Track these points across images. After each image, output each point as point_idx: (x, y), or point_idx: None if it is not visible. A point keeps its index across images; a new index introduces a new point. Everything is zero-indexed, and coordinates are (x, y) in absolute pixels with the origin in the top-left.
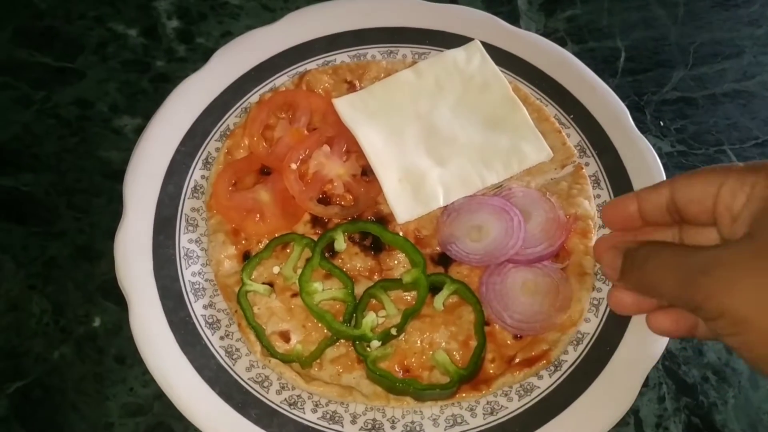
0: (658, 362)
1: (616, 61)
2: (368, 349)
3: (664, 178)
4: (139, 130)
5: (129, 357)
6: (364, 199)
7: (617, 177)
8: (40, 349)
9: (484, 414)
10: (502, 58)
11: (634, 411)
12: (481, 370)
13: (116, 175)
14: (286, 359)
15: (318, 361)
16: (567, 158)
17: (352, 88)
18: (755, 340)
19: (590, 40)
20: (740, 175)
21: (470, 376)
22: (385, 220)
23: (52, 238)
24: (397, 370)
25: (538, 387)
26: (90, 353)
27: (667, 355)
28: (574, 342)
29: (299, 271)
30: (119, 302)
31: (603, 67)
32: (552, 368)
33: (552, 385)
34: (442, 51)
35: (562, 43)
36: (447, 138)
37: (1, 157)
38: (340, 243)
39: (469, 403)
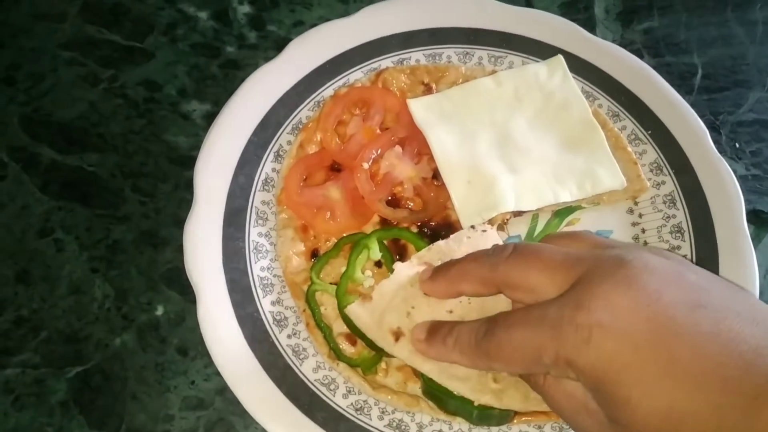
0: None
1: (693, 77)
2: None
3: (742, 202)
4: (208, 117)
5: (192, 349)
6: (433, 204)
7: (694, 198)
8: (101, 335)
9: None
10: (580, 66)
11: None
12: None
13: (183, 160)
14: (353, 363)
15: (384, 367)
16: (639, 191)
17: (428, 90)
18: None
19: (667, 54)
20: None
21: None
22: (452, 227)
23: (116, 222)
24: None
25: None
26: (152, 342)
27: None
28: None
29: (367, 272)
30: (183, 292)
31: (679, 83)
32: None
33: None
34: (518, 56)
35: (639, 56)
36: (521, 148)
37: (66, 135)
38: (375, 252)
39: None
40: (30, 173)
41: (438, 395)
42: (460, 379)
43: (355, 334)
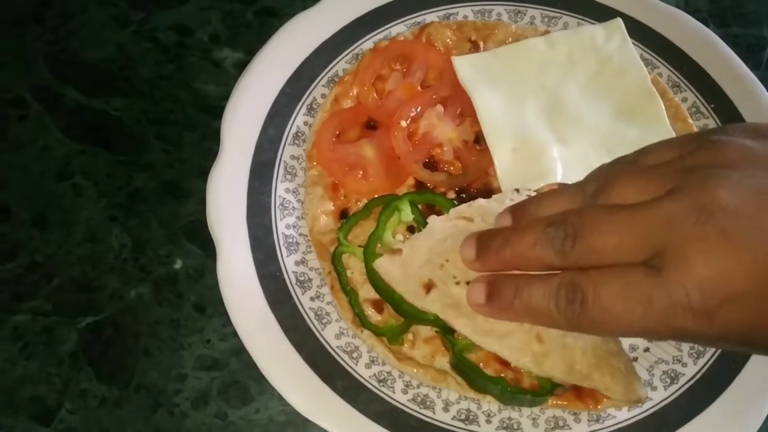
0: None
1: (761, 51)
2: (457, 338)
3: None
4: (240, 65)
5: (209, 307)
6: (474, 169)
7: None
8: (117, 286)
9: (589, 421)
10: (640, 31)
11: None
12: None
13: (212, 110)
14: (378, 331)
15: (411, 338)
16: None
17: (475, 48)
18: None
19: (734, 25)
20: None
21: (567, 388)
22: (492, 195)
23: (138, 169)
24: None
25: (651, 399)
26: (168, 297)
27: None
28: (695, 355)
29: (398, 236)
30: (204, 247)
31: (746, 56)
32: (668, 380)
33: (666, 398)
34: (574, 17)
35: (704, 25)
36: (572, 116)
37: (93, 77)
38: (407, 213)
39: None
40: (53, 114)
41: (466, 371)
42: (498, 336)
43: (382, 295)
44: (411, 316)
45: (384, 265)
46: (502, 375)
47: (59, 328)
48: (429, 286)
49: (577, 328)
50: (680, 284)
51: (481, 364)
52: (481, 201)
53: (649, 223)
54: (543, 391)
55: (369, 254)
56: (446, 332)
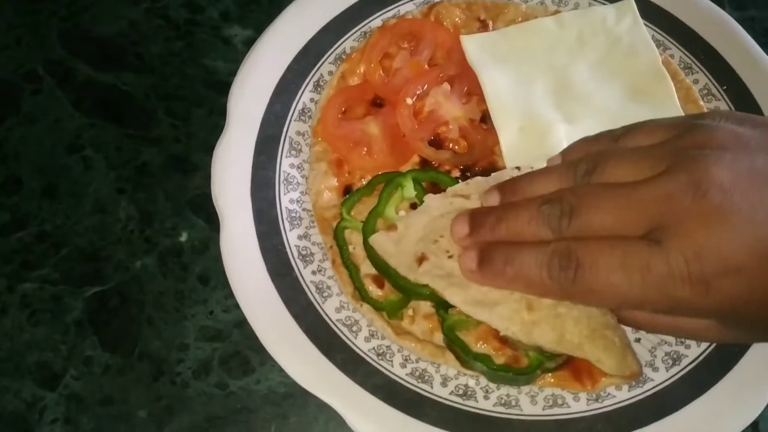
0: None
1: None
2: (449, 314)
3: None
4: (249, 42)
5: (213, 278)
6: (479, 148)
7: None
8: (123, 257)
9: (588, 399)
10: (652, 12)
11: (753, 423)
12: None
13: (220, 86)
14: (378, 306)
15: (411, 314)
16: None
17: (484, 27)
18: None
19: (751, 7)
20: None
21: (558, 367)
22: None
23: (147, 143)
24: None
25: (652, 380)
26: (173, 268)
27: None
28: None
29: (402, 213)
30: (209, 220)
31: (764, 40)
32: (670, 362)
33: (668, 380)
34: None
35: (719, 7)
36: (580, 96)
37: (103, 52)
38: (410, 190)
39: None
40: (64, 88)
41: (453, 347)
42: (488, 305)
43: (379, 269)
44: (407, 290)
45: (379, 240)
46: (500, 353)
47: (66, 297)
48: (422, 260)
49: (570, 297)
50: (680, 253)
51: (480, 342)
52: (478, 179)
53: (647, 200)
54: (529, 368)
55: (368, 230)
56: (441, 307)
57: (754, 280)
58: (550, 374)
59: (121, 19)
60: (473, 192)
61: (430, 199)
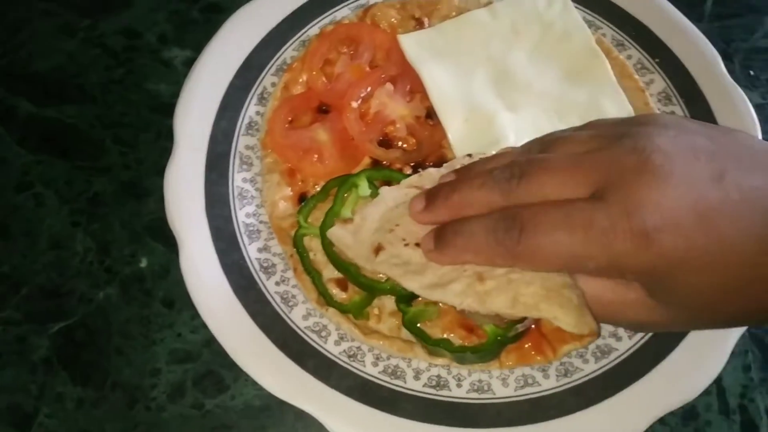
0: None
1: (703, 4)
2: (408, 307)
3: (759, 130)
4: (190, 63)
5: (177, 301)
6: (427, 143)
7: None
8: (84, 289)
9: (557, 375)
10: None
11: (716, 379)
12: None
13: (165, 109)
14: (343, 309)
15: (377, 313)
16: None
17: (420, 25)
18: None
19: None
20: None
21: (517, 337)
22: None
23: (97, 174)
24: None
25: (617, 349)
26: (136, 295)
27: None
28: None
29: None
30: (168, 243)
31: (688, 10)
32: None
33: (632, 347)
34: None
35: None
36: (520, 84)
37: (44, 87)
38: (364, 189)
39: (541, 364)
40: (7, 127)
41: (414, 333)
42: (442, 285)
43: (338, 267)
44: (367, 286)
45: (336, 233)
46: (468, 342)
47: (31, 336)
48: (378, 249)
49: (516, 259)
50: (622, 206)
51: (447, 332)
52: (431, 170)
53: (594, 162)
54: (487, 343)
55: (325, 229)
56: (402, 301)
57: (691, 239)
58: (512, 351)
59: (58, 52)
60: (427, 183)
61: (385, 190)
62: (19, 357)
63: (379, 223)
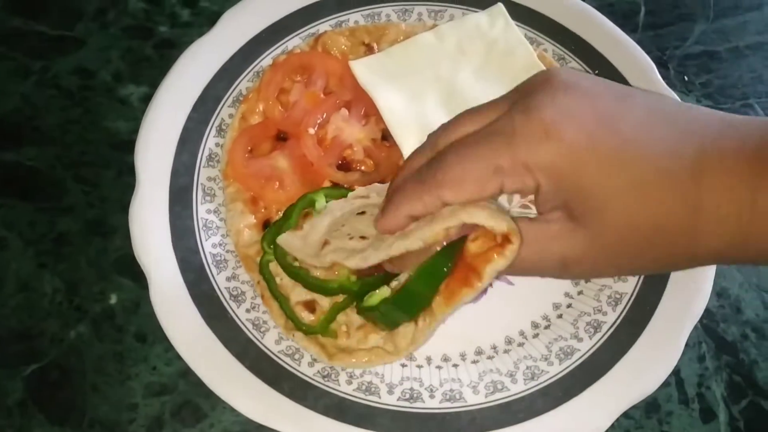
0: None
1: (636, 15)
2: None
3: None
4: (146, 99)
5: (150, 334)
6: (385, 164)
7: None
8: (56, 330)
9: (525, 379)
10: (521, 13)
11: (674, 371)
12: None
13: (124, 146)
14: (310, 330)
15: (345, 329)
16: None
17: (369, 50)
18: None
19: None
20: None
21: (439, 269)
22: None
23: (60, 214)
24: None
25: (579, 350)
26: (108, 332)
27: (705, 313)
28: (613, 302)
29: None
30: (136, 278)
31: (623, 22)
32: (592, 330)
33: (593, 347)
34: (458, 9)
35: None
36: (469, 101)
37: (1, 131)
38: (321, 203)
39: (509, 369)
40: None
41: (371, 318)
42: (376, 248)
43: (288, 272)
44: (317, 288)
45: (286, 239)
46: None
47: (4, 380)
48: (325, 244)
49: (440, 189)
50: (522, 109)
51: None
52: (376, 184)
53: (501, 98)
54: (413, 280)
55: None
56: (354, 299)
57: (593, 136)
58: (441, 294)
59: (13, 94)
60: (372, 193)
61: (332, 203)
62: None
63: (327, 229)
